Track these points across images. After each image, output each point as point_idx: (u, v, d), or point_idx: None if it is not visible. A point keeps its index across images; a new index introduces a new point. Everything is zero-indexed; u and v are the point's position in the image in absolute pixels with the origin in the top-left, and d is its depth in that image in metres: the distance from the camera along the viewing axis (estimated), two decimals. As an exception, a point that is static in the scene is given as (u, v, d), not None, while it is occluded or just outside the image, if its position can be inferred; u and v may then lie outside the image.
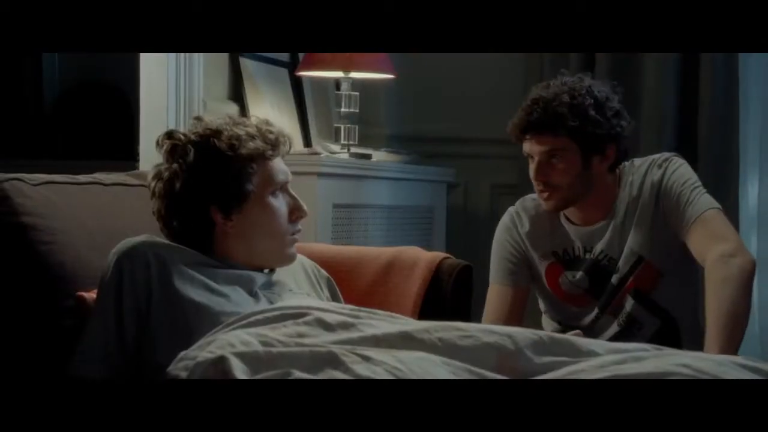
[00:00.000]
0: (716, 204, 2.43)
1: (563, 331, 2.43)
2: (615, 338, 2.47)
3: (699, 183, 2.46)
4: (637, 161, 2.53)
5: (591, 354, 1.70)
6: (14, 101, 4.96)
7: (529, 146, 2.44)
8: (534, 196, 2.56)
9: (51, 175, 2.16)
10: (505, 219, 2.61)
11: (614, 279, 2.48)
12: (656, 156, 2.52)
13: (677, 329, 2.50)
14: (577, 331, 2.41)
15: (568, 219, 2.53)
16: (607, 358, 1.66)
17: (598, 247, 2.49)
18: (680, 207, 2.41)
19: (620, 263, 2.47)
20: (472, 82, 3.92)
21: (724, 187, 3.40)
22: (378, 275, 2.38)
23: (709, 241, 2.36)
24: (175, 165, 2.01)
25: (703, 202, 2.41)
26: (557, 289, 2.55)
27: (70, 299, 2.03)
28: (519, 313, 2.56)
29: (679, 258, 2.46)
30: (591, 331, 2.48)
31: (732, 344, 2.25)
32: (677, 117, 3.53)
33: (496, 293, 2.58)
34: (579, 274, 2.51)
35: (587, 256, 2.51)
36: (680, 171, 2.46)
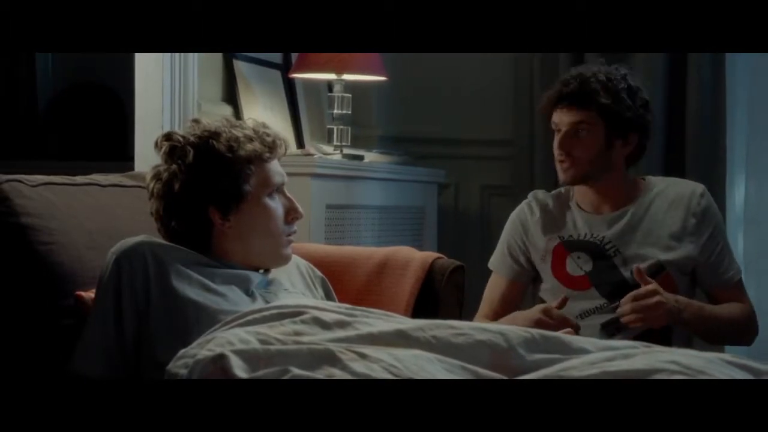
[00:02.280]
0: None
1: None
2: (612, 321, 2.52)
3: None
4: (669, 179, 2.66)
5: (581, 351, 1.73)
6: (8, 102, 4.96)
7: (558, 117, 2.54)
8: (545, 190, 2.69)
9: (49, 176, 2.18)
10: (515, 212, 2.70)
11: (630, 280, 2.52)
12: (692, 183, 2.65)
13: (669, 335, 2.55)
14: (569, 329, 2.44)
15: (579, 206, 2.61)
16: (598, 355, 1.69)
17: (605, 234, 2.56)
18: (721, 265, 2.58)
19: (643, 267, 2.52)
20: (463, 83, 3.94)
21: (710, 187, 3.42)
22: (371, 275, 2.40)
23: (742, 300, 2.61)
24: (174, 166, 2.03)
25: (737, 265, 2.62)
26: (562, 273, 2.59)
27: (69, 299, 2.05)
28: (510, 305, 2.66)
29: (689, 281, 2.60)
30: (592, 319, 2.54)
31: (709, 321, 2.49)
32: (665, 117, 3.56)
33: (494, 281, 2.70)
34: (583, 255, 2.57)
35: (593, 240, 2.57)
36: (720, 219, 2.62)
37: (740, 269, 2.61)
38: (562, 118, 2.53)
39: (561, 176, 2.56)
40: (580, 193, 2.63)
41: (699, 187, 2.60)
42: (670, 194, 2.58)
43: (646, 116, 2.57)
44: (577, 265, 2.58)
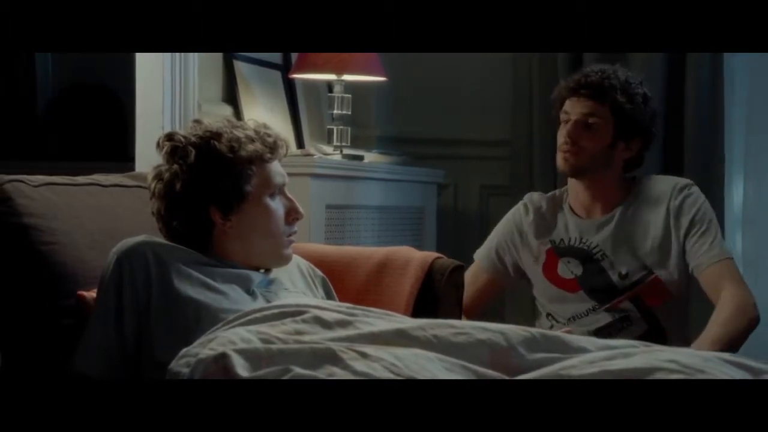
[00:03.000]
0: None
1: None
2: (605, 327, 2.53)
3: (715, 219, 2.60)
4: (657, 177, 2.66)
5: (581, 350, 1.74)
6: (7, 102, 4.96)
7: (571, 106, 2.55)
8: (540, 192, 2.70)
9: (51, 177, 2.19)
10: (511, 213, 2.72)
11: (618, 283, 2.54)
12: (675, 179, 2.63)
13: (665, 339, 2.55)
14: (567, 328, 2.47)
15: (571, 209, 2.62)
16: (598, 354, 1.70)
17: (594, 239, 2.57)
18: (702, 247, 2.51)
19: (629, 271, 2.54)
20: (462, 84, 3.95)
21: (709, 187, 3.43)
22: (371, 275, 2.41)
23: (730, 283, 2.50)
24: (175, 166, 2.04)
25: (724, 248, 2.54)
26: (553, 275, 2.62)
27: (71, 298, 2.06)
28: (482, 301, 2.71)
29: (685, 284, 2.58)
30: (584, 322, 2.54)
31: (726, 343, 2.39)
32: (663, 117, 3.56)
33: (474, 271, 2.72)
34: (573, 260, 2.60)
35: (582, 246, 2.59)
36: (705, 205, 2.57)
37: (728, 252, 2.54)
38: (575, 107, 2.54)
39: (561, 165, 2.57)
40: (573, 195, 2.64)
41: (680, 182, 2.60)
42: (653, 194, 2.59)
43: (653, 126, 2.60)
44: (568, 269, 2.60)
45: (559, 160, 2.58)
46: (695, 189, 2.59)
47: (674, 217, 2.54)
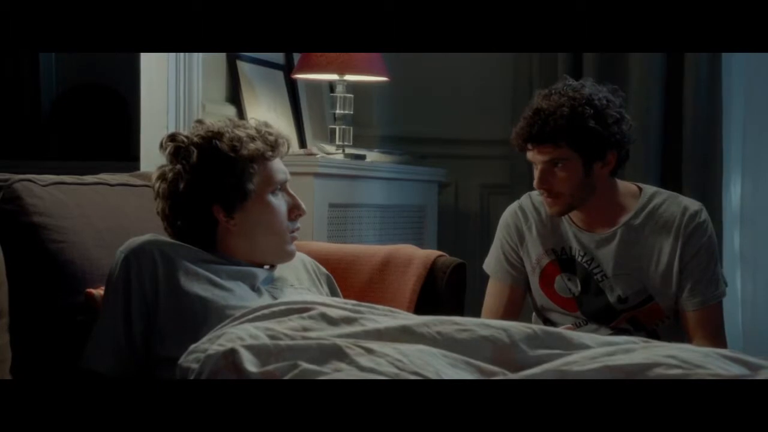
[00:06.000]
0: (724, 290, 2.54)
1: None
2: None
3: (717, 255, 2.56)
4: (665, 195, 2.55)
5: (582, 347, 1.76)
6: (11, 102, 4.98)
7: (531, 155, 2.46)
8: (537, 193, 2.59)
9: (59, 176, 2.22)
10: (507, 216, 2.62)
11: (616, 306, 2.52)
12: (688, 201, 2.54)
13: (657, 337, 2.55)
14: (569, 325, 2.47)
15: (571, 220, 2.54)
16: (598, 350, 1.72)
17: (594, 255, 2.51)
18: (698, 284, 2.48)
19: (628, 295, 2.50)
20: (463, 84, 3.98)
21: (707, 186, 3.46)
22: (374, 272, 2.44)
23: (704, 334, 2.48)
24: (178, 166, 2.07)
25: (718, 292, 2.50)
26: (550, 290, 2.58)
27: (79, 296, 2.09)
28: (515, 310, 2.61)
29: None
30: (581, 330, 2.54)
31: None
32: (662, 117, 3.59)
33: (494, 288, 2.63)
34: (573, 278, 2.55)
35: (583, 262, 2.53)
36: (712, 237, 2.51)
37: (719, 296, 2.51)
38: (535, 157, 2.45)
39: (548, 210, 2.50)
40: None
41: (692, 207, 2.51)
42: (661, 216, 2.50)
43: (622, 130, 2.45)
44: (566, 286, 2.55)
45: (546, 206, 2.51)
46: (705, 216, 2.51)
47: (682, 245, 2.47)
